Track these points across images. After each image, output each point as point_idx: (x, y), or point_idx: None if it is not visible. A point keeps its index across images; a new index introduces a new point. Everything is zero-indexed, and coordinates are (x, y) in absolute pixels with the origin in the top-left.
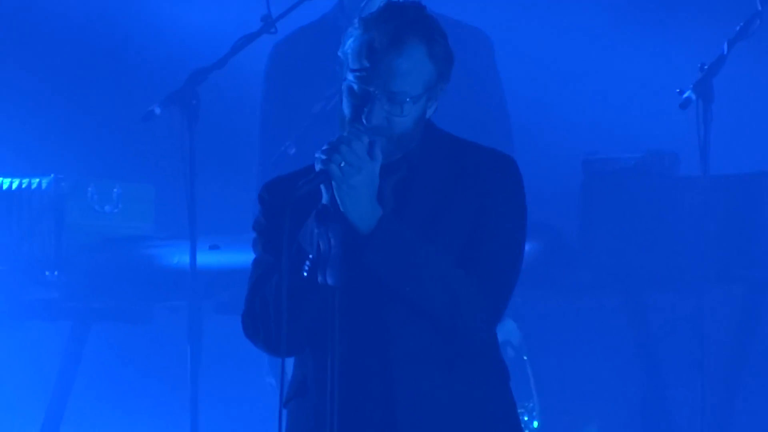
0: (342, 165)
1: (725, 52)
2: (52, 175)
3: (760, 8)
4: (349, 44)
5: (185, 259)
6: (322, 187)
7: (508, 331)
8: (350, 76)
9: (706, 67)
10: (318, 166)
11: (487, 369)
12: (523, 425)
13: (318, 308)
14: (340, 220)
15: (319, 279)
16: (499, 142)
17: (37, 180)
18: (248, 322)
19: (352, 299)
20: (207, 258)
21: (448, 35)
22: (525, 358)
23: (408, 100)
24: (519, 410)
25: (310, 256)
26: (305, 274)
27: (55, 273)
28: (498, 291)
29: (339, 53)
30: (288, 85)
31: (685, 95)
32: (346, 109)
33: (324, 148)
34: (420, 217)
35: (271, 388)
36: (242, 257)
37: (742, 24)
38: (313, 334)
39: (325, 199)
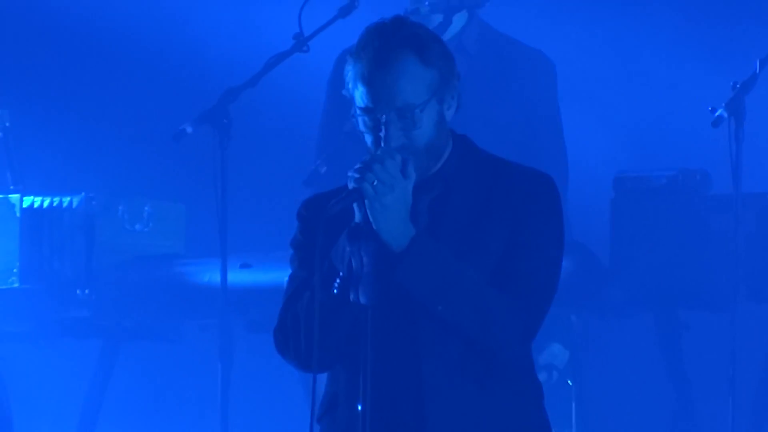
0: (375, 183)
1: (758, 71)
2: (83, 194)
3: None
4: (347, 81)
5: (216, 277)
6: (355, 205)
7: (554, 354)
8: (358, 111)
9: (738, 85)
10: (351, 185)
11: (520, 388)
12: None
13: (349, 325)
14: (372, 238)
15: (351, 297)
16: (551, 167)
17: (68, 198)
18: (279, 337)
19: (384, 317)
20: (238, 276)
21: (508, 55)
22: (569, 383)
23: (416, 111)
24: None
25: (341, 273)
26: (335, 291)
27: (86, 291)
28: (531, 310)
29: (343, 93)
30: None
31: (717, 113)
32: (367, 140)
33: (357, 166)
34: (454, 235)
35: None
36: (273, 276)
37: None
38: (344, 351)
39: (357, 218)
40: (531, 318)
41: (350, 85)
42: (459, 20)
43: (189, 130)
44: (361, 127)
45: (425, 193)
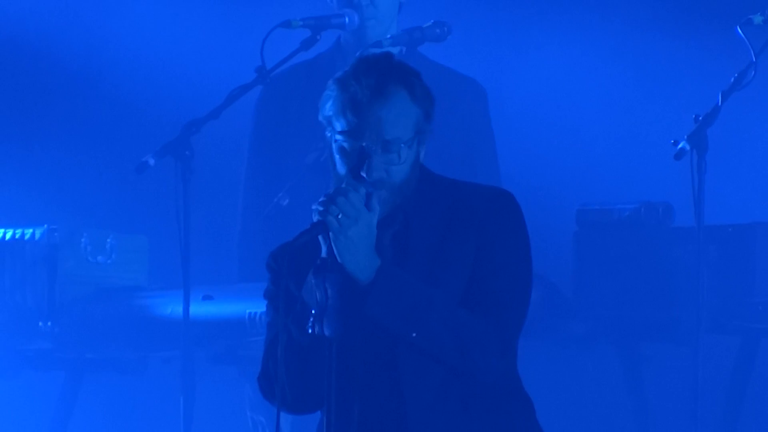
0: (339, 216)
1: (719, 103)
2: (46, 226)
3: (754, 59)
4: (329, 107)
5: (178, 309)
6: (321, 238)
7: None
8: (338, 137)
9: (700, 118)
10: (315, 218)
11: (507, 405)
12: None
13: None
14: (338, 270)
15: (316, 330)
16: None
17: (31, 230)
18: (264, 384)
19: (357, 350)
20: (200, 308)
21: (442, 83)
22: None
23: (402, 146)
24: None
25: (313, 311)
26: (309, 330)
27: (48, 323)
28: (505, 327)
29: (320, 118)
30: (278, 126)
31: (680, 146)
32: (341, 168)
33: (321, 199)
34: (421, 264)
35: (254, 423)
36: (235, 308)
37: (736, 75)
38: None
39: (323, 251)
40: (506, 334)
41: (331, 112)
42: (396, 52)
43: (151, 162)
44: (337, 153)
45: (388, 227)
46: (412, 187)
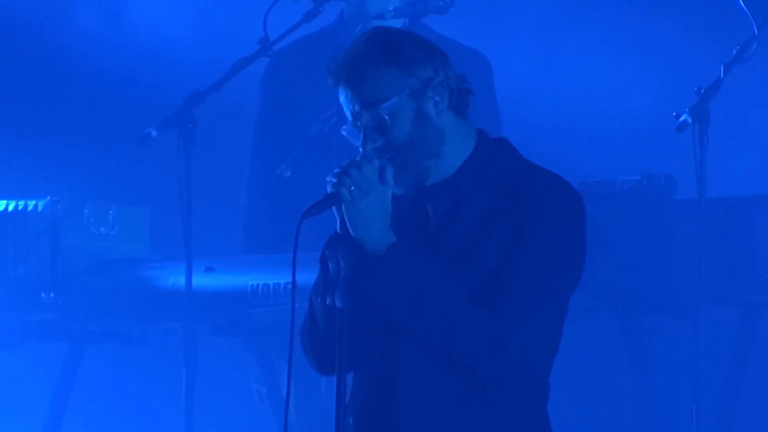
0: (351, 188)
1: (721, 76)
2: (48, 198)
3: (756, 32)
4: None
5: (181, 281)
6: (335, 210)
7: None
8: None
9: (702, 90)
10: (328, 189)
11: (511, 400)
12: None
13: (354, 330)
14: (349, 242)
15: (328, 301)
16: None
17: (33, 202)
18: (302, 338)
19: (366, 323)
20: (202, 280)
21: (448, 56)
22: None
23: (382, 106)
24: None
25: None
26: (325, 301)
27: (51, 295)
28: (506, 320)
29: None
30: (283, 99)
31: (682, 119)
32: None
33: (335, 171)
34: (460, 244)
35: (259, 395)
36: (237, 279)
37: (738, 47)
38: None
39: (337, 224)
40: (505, 331)
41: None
42: (400, 25)
43: (154, 134)
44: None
45: (438, 202)
46: (433, 142)
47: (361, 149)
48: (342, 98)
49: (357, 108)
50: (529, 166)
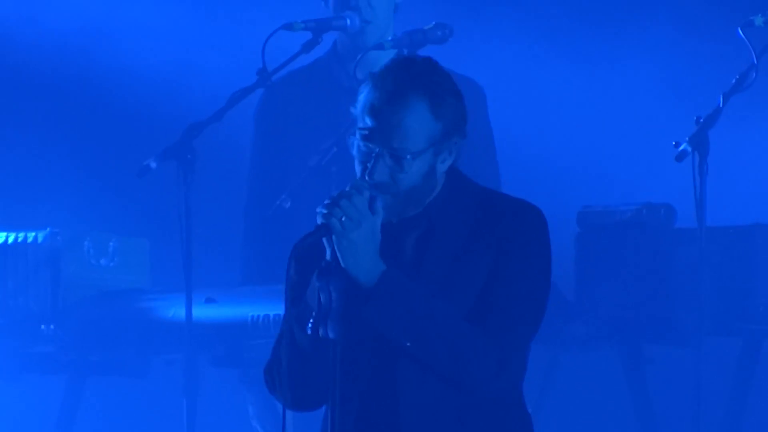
0: (342, 219)
1: (721, 105)
2: (48, 229)
3: (755, 61)
4: (359, 100)
5: (181, 312)
6: (325, 241)
7: None
8: (357, 134)
9: (701, 119)
10: (319, 220)
11: (505, 421)
12: None
13: (326, 364)
14: (340, 274)
15: (320, 332)
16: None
17: (33, 234)
18: (268, 377)
19: (360, 353)
20: (202, 311)
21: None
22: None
23: (408, 156)
24: None
25: (314, 313)
26: (309, 330)
27: (51, 327)
28: (507, 342)
29: (351, 109)
30: (278, 132)
31: (681, 147)
32: (356, 166)
33: (325, 202)
34: (439, 270)
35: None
36: (237, 310)
37: (737, 77)
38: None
39: (327, 254)
40: (506, 351)
41: (359, 106)
42: (393, 55)
43: (153, 165)
44: (355, 151)
45: (411, 230)
46: (425, 196)
47: (360, 173)
48: (368, 120)
49: (380, 139)
50: (489, 193)
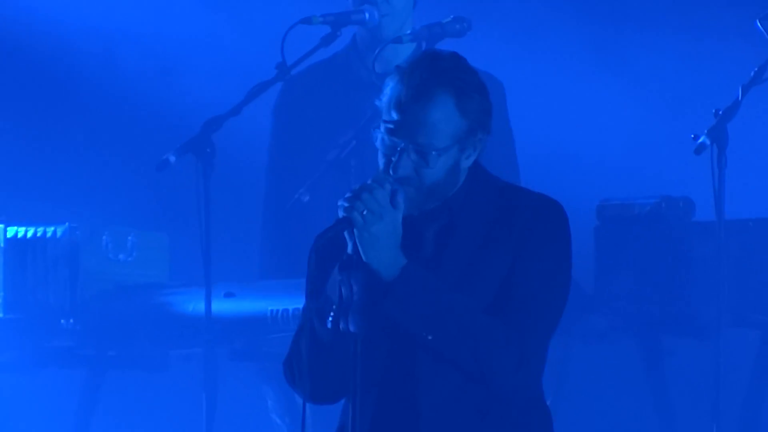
0: (364, 213)
1: (739, 98)
2: (67, 224)
3: None
4: (385, 93)
5: (200, 306)
6: (346, 234)
7: None
8: (381, 127)
9: (720, 112)
10: (340, 214)
11: (524, 417)
12: None
13: (347, 357)
14: (362, 267)
15: (341, 326)
16: None
17: (52, 228)
18: (286, 368)
19: (381, 346)
20: (222, 305)
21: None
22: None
23: (434, 153)
24: None
25: (335, 306)
26: (329, 324)
27: (71, 321)
28: (526, 338)
29: (376, 102)
30: (297, 125)
31: (700, 140)
32: (380, 159)
33: (347, 195)
34: (459, 263)
35: (276, 425)
36: (257, 305)
37: (756, 69)
38: (347, 383)
39: (349, 247)
40: (527, 346)
41: (384, 99)
42: (412, 49)
43: (172, 159)
44: (379, 144)
45: (432, 223)
46: (447, 191)
47: (383, 166)
48: (394, 114)
49: (406, 133)
50: (510, 187)
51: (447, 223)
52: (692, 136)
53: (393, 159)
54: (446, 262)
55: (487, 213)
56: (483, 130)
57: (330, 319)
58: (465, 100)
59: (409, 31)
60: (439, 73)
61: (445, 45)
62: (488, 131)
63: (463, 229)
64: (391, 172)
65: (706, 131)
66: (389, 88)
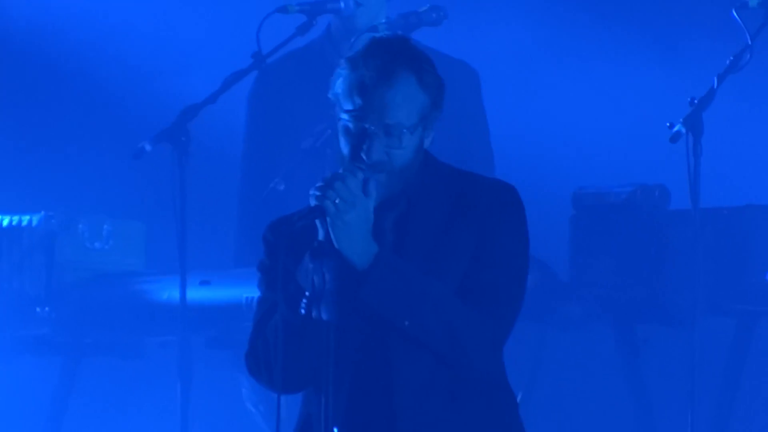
0: (336, 201)
1: (715, 86)
2: (43, 212)
3: (750, 42)
4: (339, 85)
5: (175, 294)
6: (318, 223)
7: None
8: (344, 116)
9: (695, 101)
10: (312, 202)
11: (493, 400)
12: None
13: (318, 345)
14: (334, 255)
15: (314, 314)
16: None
17: (28, 217)
18: (251, 361)
19: (352, 334)
20: (197, 293)
21: (437, 68)
22: None
23: (405, 131)
24: None
25: (307, 293)
26: (302, 311)
27: (46, 309)
28: (498, 321)
29: (329, 95)
30: (272, 114)
31: (675, 129)
32: (345, 148)
33: (319, 184)
34: (421, 250)
35: (250, 414)
36: (232, 292)
37: (731, 58)
38: (315, 371)
39: (320, 235)
40: (498, 329)
41: (340, 90)
42: None
43: (148, 148)
44: (342, 133)
45: (389, 211)
46: (414, 172)
47: (349, 154)
48: (358, 100)
49: (374, 117)
50: (464, 173)
51: (405, 210)
52: (668, 124)
53: (363, 145)
54: (407, 250)
55: (444, 200)
56: (439, 108)
57: (302, 305)
58: (424, 76)
59: (384, 21)
60: (396, 54)
61: (421, 34)
62: (442, 108)
63: (421, 216)
64: (364, 157)
65: (681, 120)
66: (343, 78)
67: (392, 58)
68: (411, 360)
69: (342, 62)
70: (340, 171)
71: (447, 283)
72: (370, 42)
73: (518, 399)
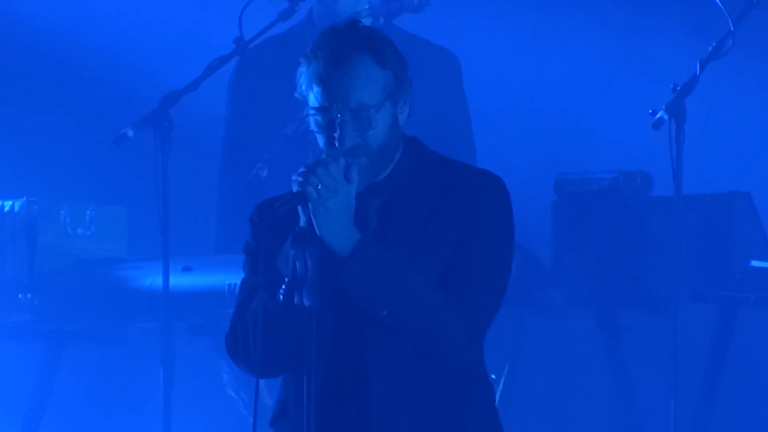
0: (318, 187)
1: (697, 73)
2: (25, 198)
3: (732, 28)
4: (301, 83)
5: (158, 280)
6: (300, 209)
7: None
8: (311, 112)
9: (678, 87)
10: (295, 188)
11: (469, 390)
12: None
13: (297, 331)
14: (316, 242)
15: (296, 300)
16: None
17: (10, 203)
18: (231, 343)
19: (331, 321)
20: (180, 280)
21: (416, 54)
22: (493, 377)
23: (371, 111)
24: None
25: (286, 279)
26: (281, 297)
27: (28, 295)
28: (477, 312)
29: (296, 95)
30: (254, 99)
31: (658, 116)
32: (320, 141)
33: (301, 170)
34: (404, 238)
35: (231, 400)
36: (215, 279)
37: (714, 44)
38: (293, 357)
39: (302, 222)
40: (477, 320)
41: (304, 87)
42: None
43: (130, 134)
44: (314, 127)
45: (375, 197)
46: (395, 150)
47: (325, 145)
48: (318, 90)
49: (338, 104)
50: (450, 162)
51: (390, 197)
52: (650, 111)
53: (335, 134)
54: (391, 237)
55: (430, 187)
56: (406, 81)
57: (281, 291)
58: (379, 53)
59: (367, 6)
60: (345, 38)
61: (404, 20)
62: (410, 82)
63: (406, 203)
64: (337, 145)
65: (664, 106)
66: (303, 76)
67: (342, 43)
68: (387, 350)
69: (301, 60)
70: (322, 157)
71: (429, 272)
72: (320, 34)
73: (499, 386)
